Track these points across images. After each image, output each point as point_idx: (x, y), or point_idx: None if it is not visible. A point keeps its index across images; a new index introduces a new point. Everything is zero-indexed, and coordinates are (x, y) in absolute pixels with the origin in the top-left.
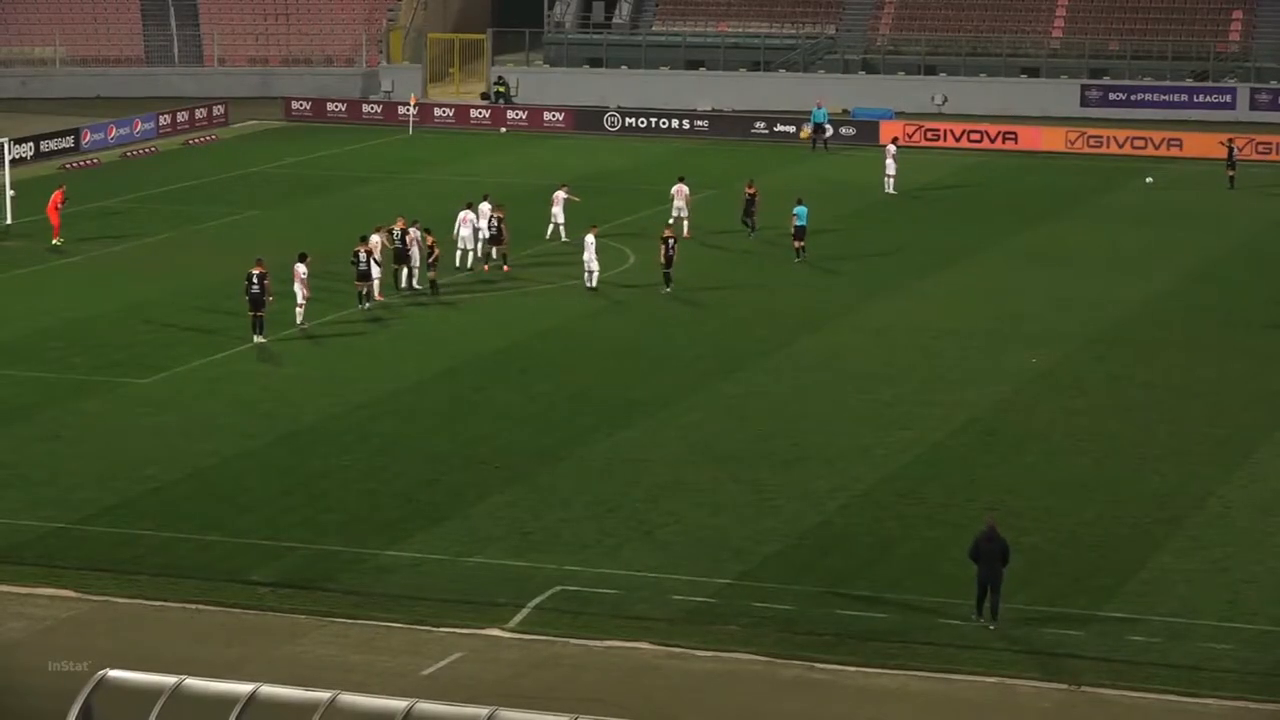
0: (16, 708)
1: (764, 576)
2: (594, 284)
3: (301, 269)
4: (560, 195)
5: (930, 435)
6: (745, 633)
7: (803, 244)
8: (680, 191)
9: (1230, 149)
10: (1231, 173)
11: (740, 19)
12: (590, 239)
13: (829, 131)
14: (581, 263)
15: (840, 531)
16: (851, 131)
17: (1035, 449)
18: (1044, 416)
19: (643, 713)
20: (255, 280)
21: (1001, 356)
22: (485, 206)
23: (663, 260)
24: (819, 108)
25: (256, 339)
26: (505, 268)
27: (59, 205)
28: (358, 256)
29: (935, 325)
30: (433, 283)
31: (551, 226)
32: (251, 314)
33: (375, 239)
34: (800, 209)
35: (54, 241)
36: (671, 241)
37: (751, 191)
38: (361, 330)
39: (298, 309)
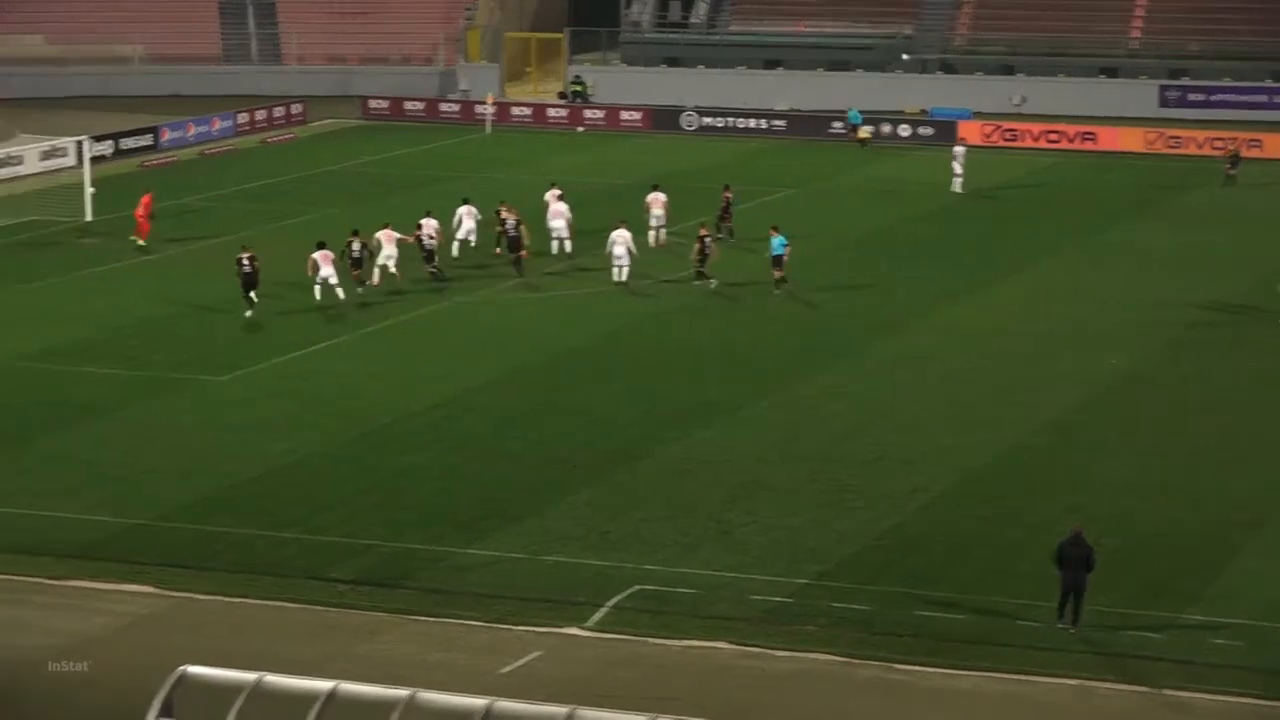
0: (95, 704)
1: (842, 577)
2: (623, 278)
3: (391, 233)
4: (553, 195)
5: (1009, 436)
6: (823, 633)
7: (782, 274)
8: (657, 200)
9: None
10: None
11: (818, 18)
12: (622, 234)
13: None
14: (609, 257)
15: (918, 532)
16: (929, 131)
17: (1115, 451)
18: (1123, 418)
19: (720, 712)
20: (247, 262)
21: (1080, 357)
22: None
23: (696, 258)
24: (851, 109)
25: (246, 308)
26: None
27: (148, 207)
28: (350, 247)
29: (1013, 326)
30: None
31: (555, 241)
32: (244, 294)
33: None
34: (776, 239)
35: (139, 242)
36: (708, 240)
37: (728, 196)
38: (437, 329)
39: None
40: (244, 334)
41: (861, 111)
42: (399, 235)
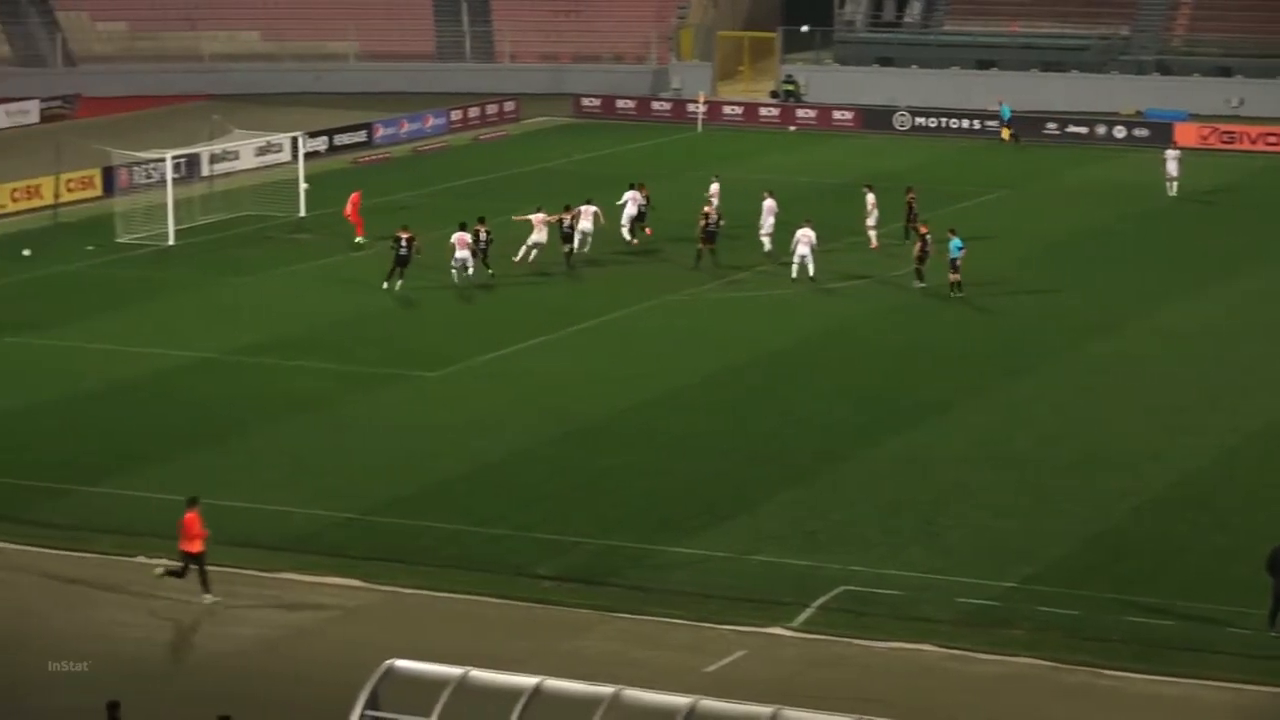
0: (302, 696)
1: (1049, 580)
2: (809, 274)
3: (592, 209)
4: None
5: (1222, 440)
6: (1029, 637)
7: (958, 277)
8: (634, 198)
9: None
10: None
11: (1032, 19)
12: (806, 233)
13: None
14: (792, 254)
15: (1127, 537)
16: (1144, 133)
17: None
18: None
19: (924, 715)
20: (405, 244)
21: None
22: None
23: (917, 255)
24: (1002, 104)
25: (392, 285)
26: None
27: (357, 205)
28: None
29: (1228, 329)
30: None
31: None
32: (396, 268)
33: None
34: (954, 241)
35: (357, 239)
36: (929, 238)
37: (912, 197)
38: (647, 327)
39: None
40: (456, 330)
41: (1061, 112)
42: (548, 218)
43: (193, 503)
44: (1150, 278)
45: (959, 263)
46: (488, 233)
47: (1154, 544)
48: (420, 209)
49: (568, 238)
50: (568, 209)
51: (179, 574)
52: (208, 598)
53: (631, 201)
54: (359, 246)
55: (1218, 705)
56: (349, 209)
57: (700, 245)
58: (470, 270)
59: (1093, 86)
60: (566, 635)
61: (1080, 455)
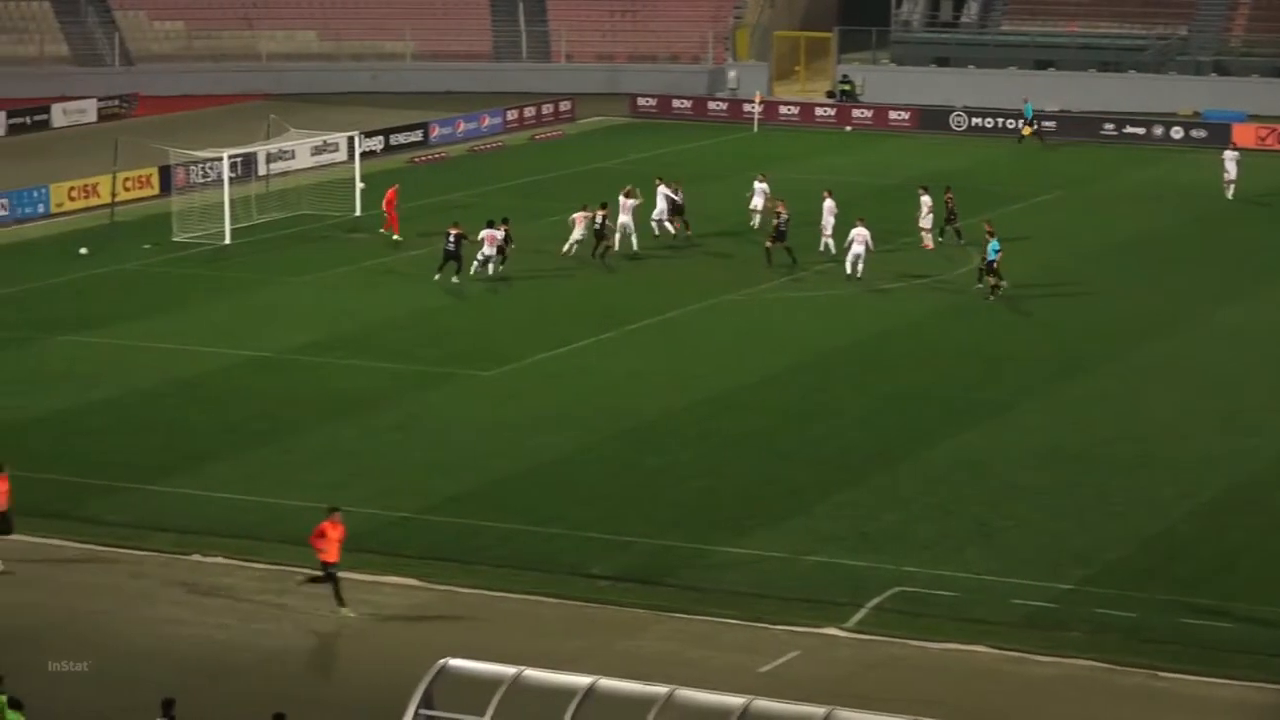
0: (357, 695)
1: (1106, 583)
2: (856, 273)
3: (630, 202)
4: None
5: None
6: (1086, 639)
7: (996, 280)
8: (926, 202)
9: None
10: None
11: (1090, 19)
12: (861, 231)
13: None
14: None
15: (1185, 539)
16: (1202, 134)
17: None
18: None
19: (979, 716)
20: (452, 240)
21: None
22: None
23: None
24: (1026, 102)
25: (444, 278)
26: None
27: (393, 202)
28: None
29: None
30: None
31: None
32: (446, 262)
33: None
34: (992, 243)
35: (394, 237)
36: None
37: (950, 198)
38: (703, 326)
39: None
40: (511, 329)
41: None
42: (587, 214)
43: (332, 511)
44: (1207, 279)
45: (996, 264)
46: (507, 234)
47: (1211, 546)
48: (475, 208)
49: (600, 234)
50: (603, 206)
51: (321, 581)
52: (344, 610)
53: (662, 197)
54: (396, 243)
55: (1274, 708)
56: (386, 204)
57: (770, 244)
58: (491, 268)
59: (1150, 87)
60: (621, 635)
61: (1137, 457)
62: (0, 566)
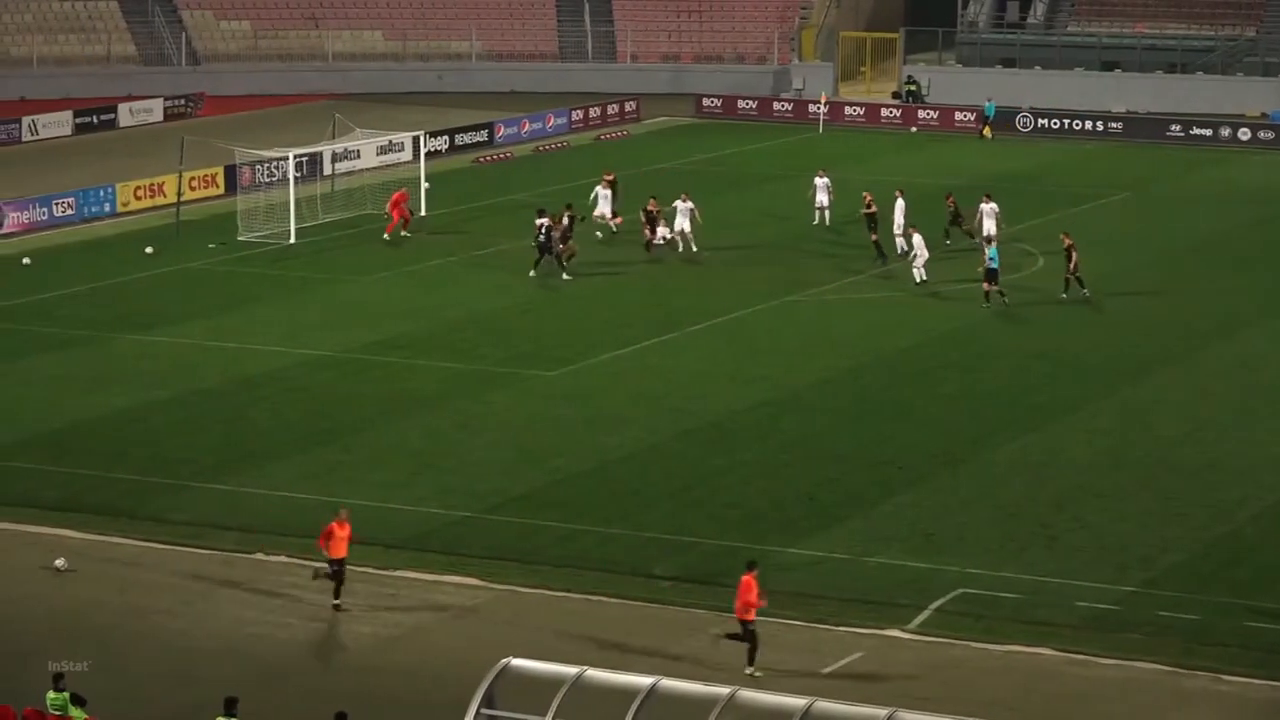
0: (419, 694)
1: (1169, 585)
2: (921, 278)
3: (688, 205)
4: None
5: None
6: (1149, 641)
7: (995, 287)
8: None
9: None
10: None
11: (1158, 20)
12: (915, 238)
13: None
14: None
15: (1250, 543)
16: (1269, 136)
17: None
18: None
19: (1043, 718)
20: (543, 231)
21: None
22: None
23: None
24: (989, 101)
25: (539, 273)
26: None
27: (399, 205)
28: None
29: None
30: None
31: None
32: (542, 256)
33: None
34: (993, 250)
35: (384, 236)
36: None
37: (952, 201)
38: (767, 327)
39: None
40: (574, 329)
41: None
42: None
43: (751, 566)
44: (1274, 281)
45: (998, 272)
46: (548, 228)
47: (1275, 549)
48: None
49: (651, 221)
50: (653, 199)
51: (739, 638)
52: (750, 669)
53: (680, 214)
54: (386, 242)
55: None
56: (390, 204)
57: (874, 237)
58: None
59: (1218, 88)
60: (682, 635)
61: (1200, 460)
62: (64, 564)
